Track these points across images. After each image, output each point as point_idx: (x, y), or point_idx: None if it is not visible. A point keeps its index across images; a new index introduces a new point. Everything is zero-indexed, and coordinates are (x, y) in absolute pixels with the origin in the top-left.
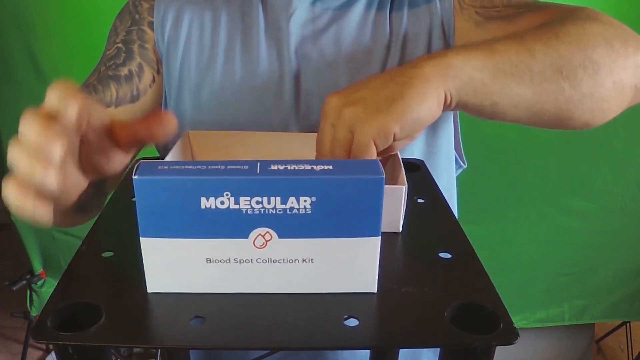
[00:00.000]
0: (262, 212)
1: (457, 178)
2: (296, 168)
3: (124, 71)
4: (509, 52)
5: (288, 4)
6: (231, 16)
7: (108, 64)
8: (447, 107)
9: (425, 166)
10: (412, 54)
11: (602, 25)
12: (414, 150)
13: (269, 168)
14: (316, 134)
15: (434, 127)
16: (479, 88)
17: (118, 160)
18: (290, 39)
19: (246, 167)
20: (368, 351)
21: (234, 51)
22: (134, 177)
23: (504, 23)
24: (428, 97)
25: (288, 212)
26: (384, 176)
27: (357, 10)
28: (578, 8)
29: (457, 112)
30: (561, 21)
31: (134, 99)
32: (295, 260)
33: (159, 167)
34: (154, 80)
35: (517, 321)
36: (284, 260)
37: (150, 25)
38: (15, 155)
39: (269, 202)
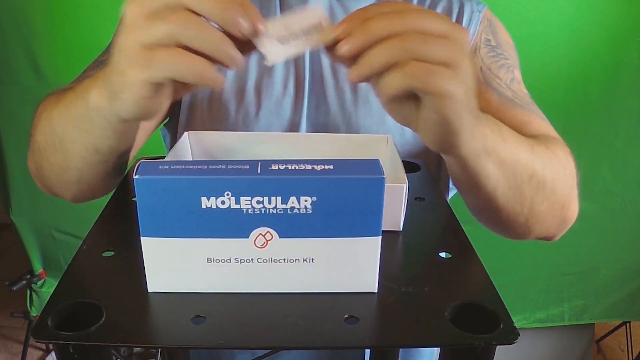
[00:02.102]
0: (263, 211)
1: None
2: (297, 168)
3: None
4: (524, 170)
5: (304, 2)
6: None
7: None
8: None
9: (426, 166)
10: None
11: (570, 179)
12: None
13: (270, 168)
14: (315, 135)
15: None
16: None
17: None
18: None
19: (247, 166)
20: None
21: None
22: (135, 176)
23: (497, 99)
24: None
25: (289, 211)
26: (385, 176)
27: None
28: (561, 149)
29: None
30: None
31: None
32: (295, 260)
33: (160, 167)
34: None
35: (517, 321)
36: (284, 260)
37: None
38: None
39: (269, 202)
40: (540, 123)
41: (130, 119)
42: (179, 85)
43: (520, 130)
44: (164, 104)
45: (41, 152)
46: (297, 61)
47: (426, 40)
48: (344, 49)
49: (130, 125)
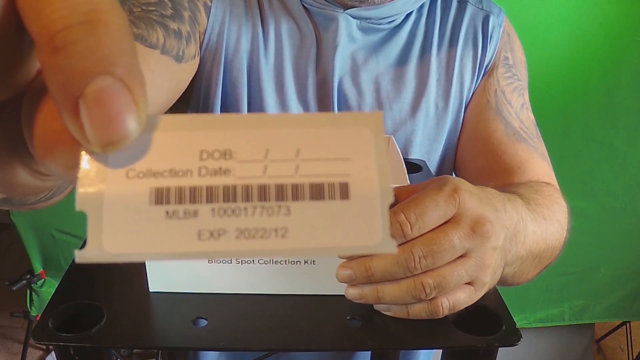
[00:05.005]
0: None
1: None
2: None
3: (173, 25)
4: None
5: (335, 35)
6: (282, 42)
7: (147, 8)
8: None
9: (427, 167)
10: (456, 96)
11: (564, 234)
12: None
13: None
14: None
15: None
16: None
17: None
18: (335, 75)
19: None
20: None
21: (284, 78)
22: None
23: (504, 129)
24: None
25: None
26: None
27: (397, 45)
28: (559, 204)
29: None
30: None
31: (179, 59)
32: (297, 261)
33: None
34: (194, 58)
35: (517, 321)
36: (285, 261)
37: (207, 9)
38: None
39: None
40: (539, 163)
41: None
42: None
43: (518, 170)
44: None
45: None
46: (325, 98)
47: (444, 276)
48: (350, 292)
49: None
